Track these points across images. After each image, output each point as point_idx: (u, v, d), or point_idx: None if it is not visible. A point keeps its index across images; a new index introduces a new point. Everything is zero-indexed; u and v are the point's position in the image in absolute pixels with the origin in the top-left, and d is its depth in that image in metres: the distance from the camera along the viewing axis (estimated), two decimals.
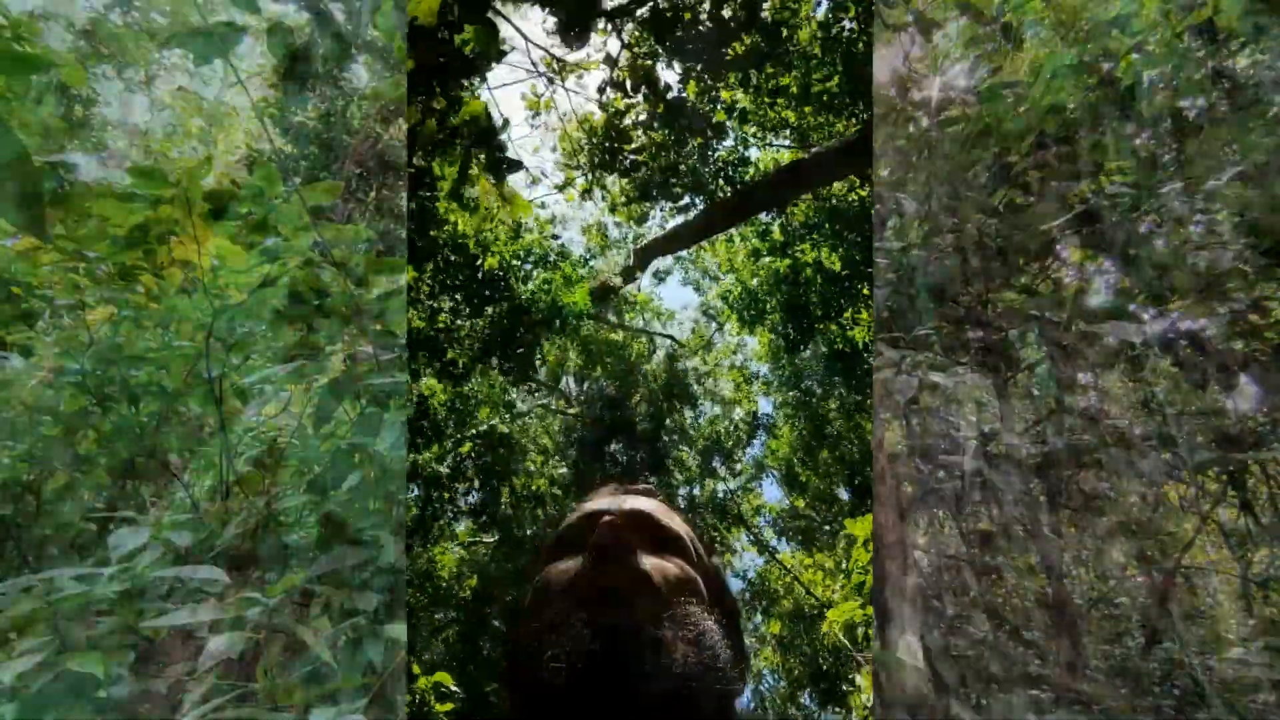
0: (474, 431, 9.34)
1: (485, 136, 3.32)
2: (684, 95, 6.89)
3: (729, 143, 8.47)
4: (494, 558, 9.74)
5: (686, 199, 8.66)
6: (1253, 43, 3.29)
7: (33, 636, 1.66)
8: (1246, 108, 3.05)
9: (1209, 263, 2.37)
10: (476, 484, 9.58)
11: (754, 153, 9.40)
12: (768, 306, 10.04)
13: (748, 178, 8.90)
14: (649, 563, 0.82)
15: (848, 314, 9.24)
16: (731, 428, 12.17)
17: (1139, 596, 5.93)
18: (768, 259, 9.90)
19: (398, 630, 1.42)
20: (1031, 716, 1.72)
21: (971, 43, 4.63)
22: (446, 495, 8.91)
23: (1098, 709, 1.66)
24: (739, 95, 7.99)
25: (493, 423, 9.63)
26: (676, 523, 0.94)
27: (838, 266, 8.75)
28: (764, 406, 12.44)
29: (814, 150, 7.56)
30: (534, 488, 10.29)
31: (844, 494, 10.92)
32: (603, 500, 0.96)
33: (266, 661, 1.83)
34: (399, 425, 2.02)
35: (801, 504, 11.53)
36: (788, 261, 9.36)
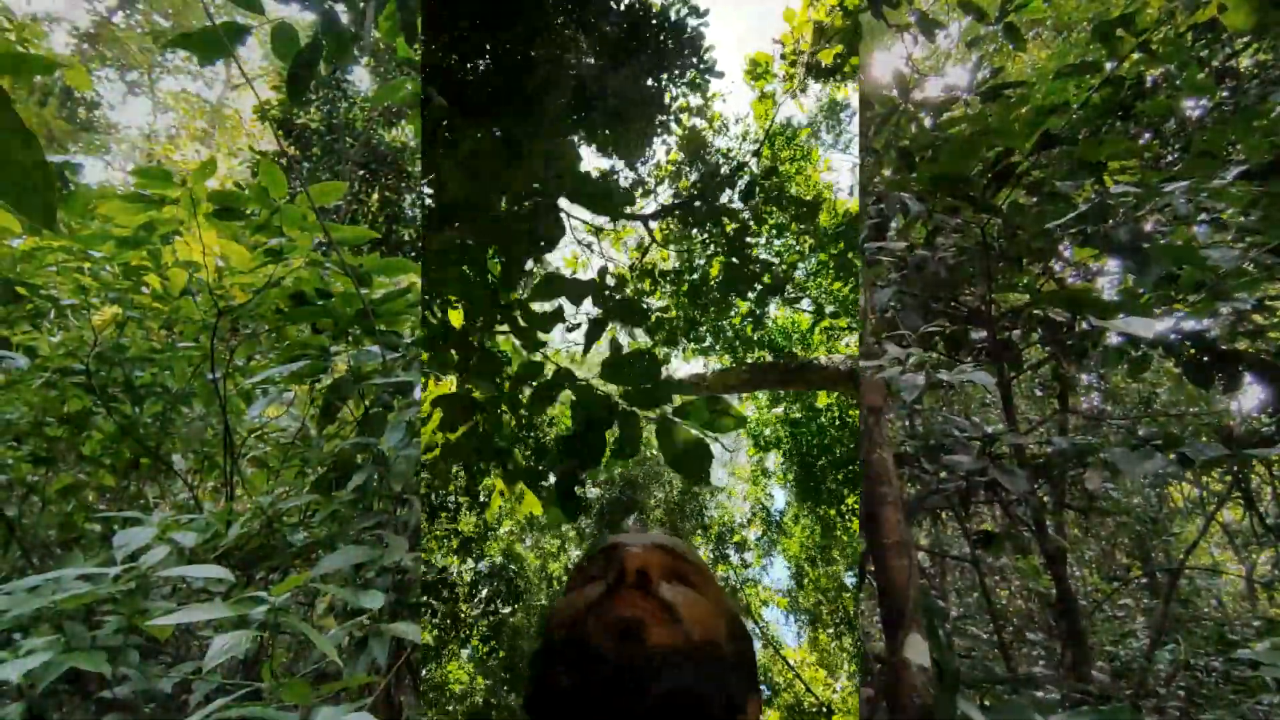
0: (495, 550, 9.68)
1: (502, 454, 3.36)
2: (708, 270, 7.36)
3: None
4: (500, 676, 9.89)
5: (709, 339, 9.18)
6: (1257, 41, 3.29)
7: (37, 636, 1.66)
8: (1251, 106, 3.04)
9: (1213, 262, 2.36)
10: (493, 606, 9.81)
11: (772, 309, 9.83)
12: (781, 438, 10.29)
13: (763, 334, 9.47)
14: (670, 591, 0.83)
15: (850, 499, 9.46)
16: (745, 519, 12.34)
17: (1144, 598, 5.91)
18: (779, 409, 10.30)
19: (408, 629, 1.42)
20: (1037, 716, 1.71)
21: (974, 43, 4.64)
22: (463, 616, 9.20)
23: (1104, 709, 1.66)
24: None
25: (510, 541, 9.94)
26: (700, 559, 0.95)
27: (850, 446, 9.05)
28: (779, 500, 12.54)
29: (818, 362, 8.00)
30: (548, 570, 10.48)
31: (849, 579, 11.06)
32: (626, 536, 0.98)
33: (272, 661, 1.83)
34: (404, 425, 2.02)
35: (810, 595, 11.67)
36: (797, 416, 9.78)
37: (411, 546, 1.85)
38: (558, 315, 2.99)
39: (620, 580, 0.81)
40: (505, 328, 3.00)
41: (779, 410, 10.46)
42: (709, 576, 0.94)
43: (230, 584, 1.75)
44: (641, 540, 0.93)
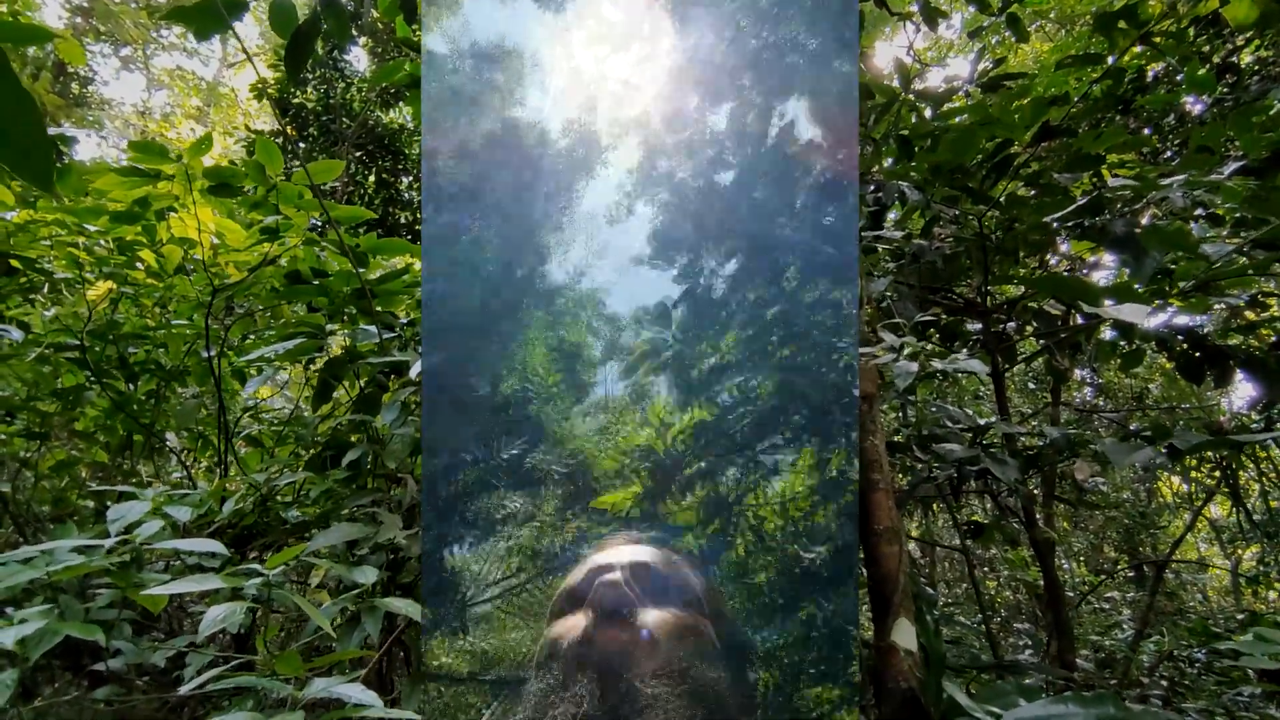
0: None
1: None
2: None
3: None
4: None
5: None
6: (1259, 37, 3.28)
7: (30, 608, 1.66)
8: (1250, 103, 3.04)
9: (1210, 256, 2.37)
10: None
11: None
12: None
13: None
14: (652, 618, 0.83)
15: None
16: None
17: (1130, 591, 5.98)
18: None
19: (404, 605, 1.43)
20: (1021, 701, 1.74)
21: (976, 33, 4.62)
22: None
23: (1087, 695, 1.68)
24: None
25: None
26: (682, 572, 0.95)
27: None
28: None
29: None
30: None
31: None
32: (608, 552, 0.97)
33: (265, 633, 1.84)
34: (399, 404, 2.02)
35: None
36: None
37: (406, 525, 1.86)
38: None
39: (602, 611, 0.82)
40: None
41: None
42: (694, 587, 0.93)
43: (224, 559, 1.76)
44: (622, 558, 0.92)
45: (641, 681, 0.77)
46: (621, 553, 0.97)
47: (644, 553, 0.97)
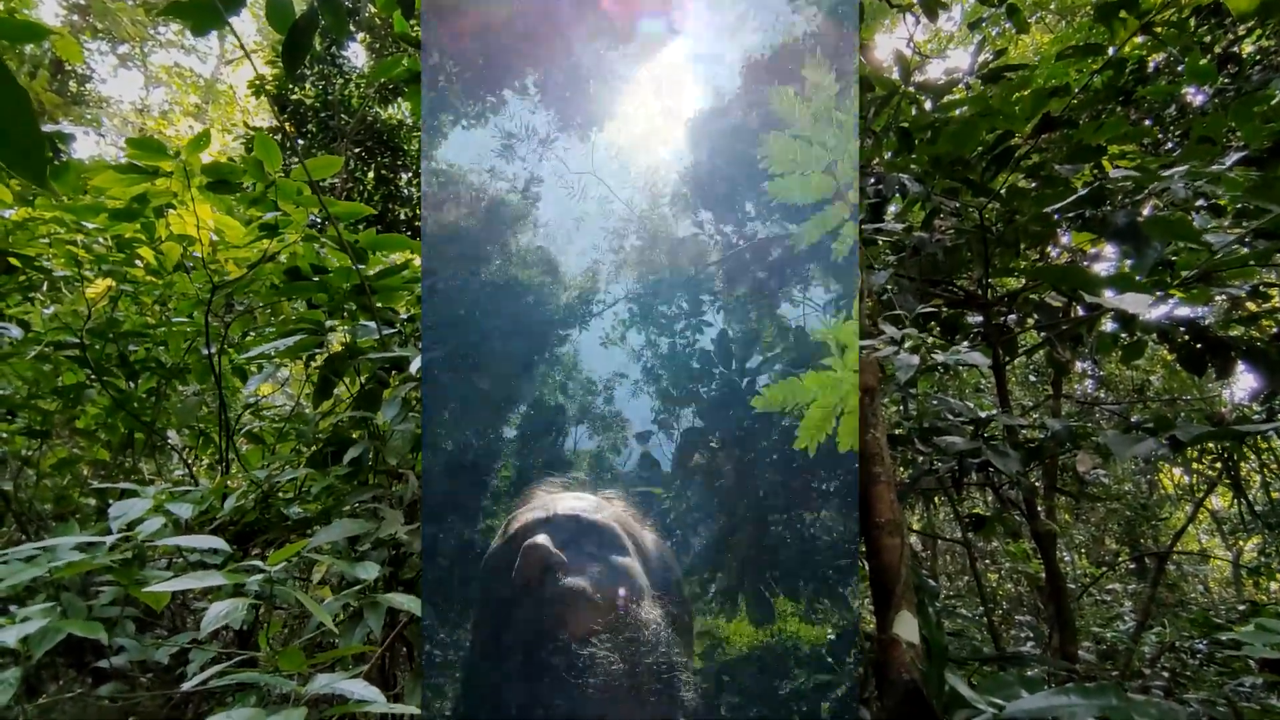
0: None
1: None
2: None
3: None
4: None
5: None
6: (1260, 26, 3.26)
7: (33, 605, 1.67)
8: (1252, 93, 3.03)
9: (1211, 247, 2.36)
10: None
11: None
12: None
13: None
14: (583, 575, 0.82)
15: None
16: None
17: (1131, 582, 5.98)
18: None
19: (406, 600, 1.43)
20: (1024, 692, 1.74)
21: (976, 25, 4.60)
22: None
23: (1089, 686, 1.69)
24: None
25: None
26: (606, 514, 0.93)
27: None
28: None
29: None
30: None
31: None
32: (535, 506, 0.96)
33: (268, 630, 1.85)
34: (400, 400, 2.02)
35: None
36: None
37: (408, 520, 1.86)
38: None
39: (526, 580, 0.81)
40: None
41: None
42: (624, 529, 0.92)
43: (226, 555, 1.76)
44: (549, 512, 0.91)
45: (578, 640, 0.76)
46: (549, 502, 0.95)
47: (573, 501, 0.95)
